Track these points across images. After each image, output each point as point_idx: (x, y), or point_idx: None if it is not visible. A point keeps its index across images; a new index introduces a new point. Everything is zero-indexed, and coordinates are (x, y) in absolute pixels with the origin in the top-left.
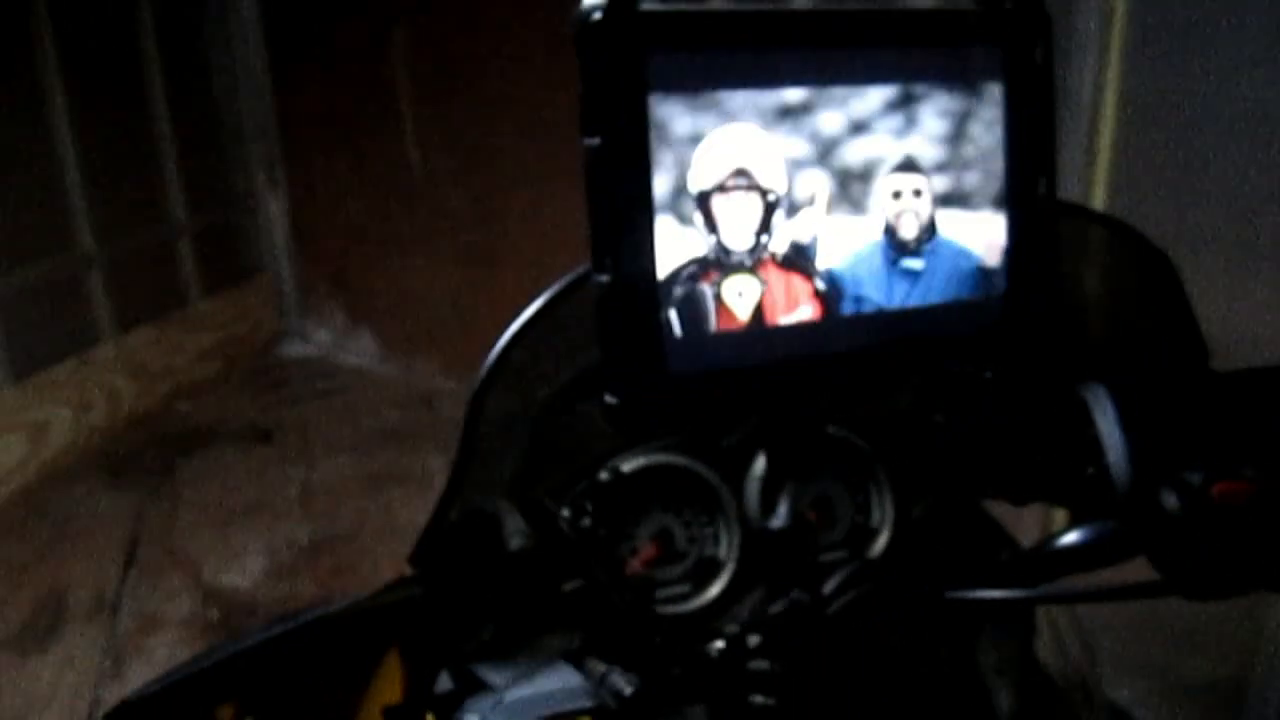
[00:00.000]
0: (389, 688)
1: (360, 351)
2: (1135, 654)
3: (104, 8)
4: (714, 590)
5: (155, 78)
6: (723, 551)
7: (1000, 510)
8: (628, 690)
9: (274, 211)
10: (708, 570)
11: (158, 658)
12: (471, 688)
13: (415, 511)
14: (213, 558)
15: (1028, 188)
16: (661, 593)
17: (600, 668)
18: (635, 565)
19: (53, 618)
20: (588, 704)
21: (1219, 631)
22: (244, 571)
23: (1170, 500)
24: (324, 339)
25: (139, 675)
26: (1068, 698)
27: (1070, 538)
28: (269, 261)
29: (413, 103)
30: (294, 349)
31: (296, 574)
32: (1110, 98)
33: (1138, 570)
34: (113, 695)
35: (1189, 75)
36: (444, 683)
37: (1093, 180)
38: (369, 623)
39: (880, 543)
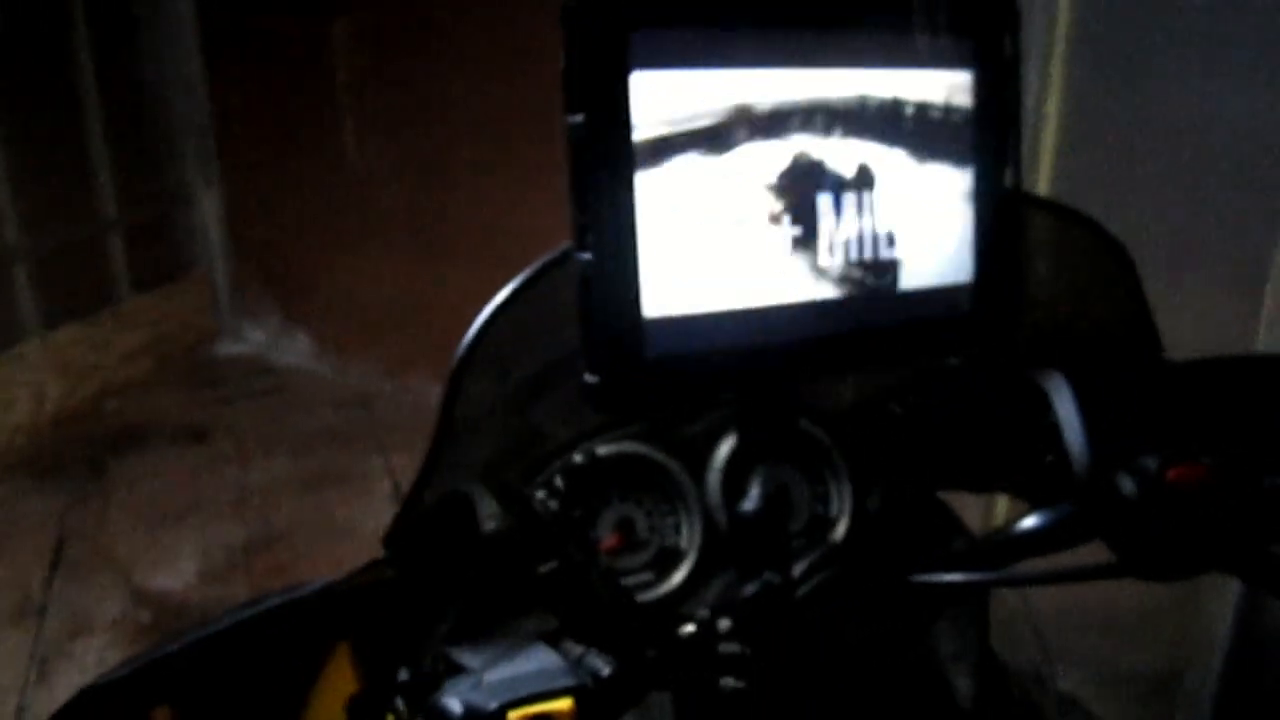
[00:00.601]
0: (339, 684)
1: (296, 351)
2: (1078, 646)
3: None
4: (676, 578)
5: (86, 70)
6: (684, 541)
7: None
8: (605, 671)
9: (208, 208)
10: (669, 559)
11: (87, 662)
12: (448, 670)
13: (352, 512)
14: (144, 560)
15: (994, 178)
16: (625, 581)
17: (577, 649)
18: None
19: None
20: (568, 683)
21: (1157, 624)
22: (177, 573)
23: (1127, 484)
24: (258, 338)
25: (67, 679)
26: (1021, 684)
27: (1029, 522)
28: (203, 259)
29: (352, 98)
30: (228, 348)
31: (231, 576)
32: (1053, 101)
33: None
34: (40, 700)
35: (1129, 81)
36: (417, 667)
37: (1035, 183)
38: (341, 604)
39: (839, 532)
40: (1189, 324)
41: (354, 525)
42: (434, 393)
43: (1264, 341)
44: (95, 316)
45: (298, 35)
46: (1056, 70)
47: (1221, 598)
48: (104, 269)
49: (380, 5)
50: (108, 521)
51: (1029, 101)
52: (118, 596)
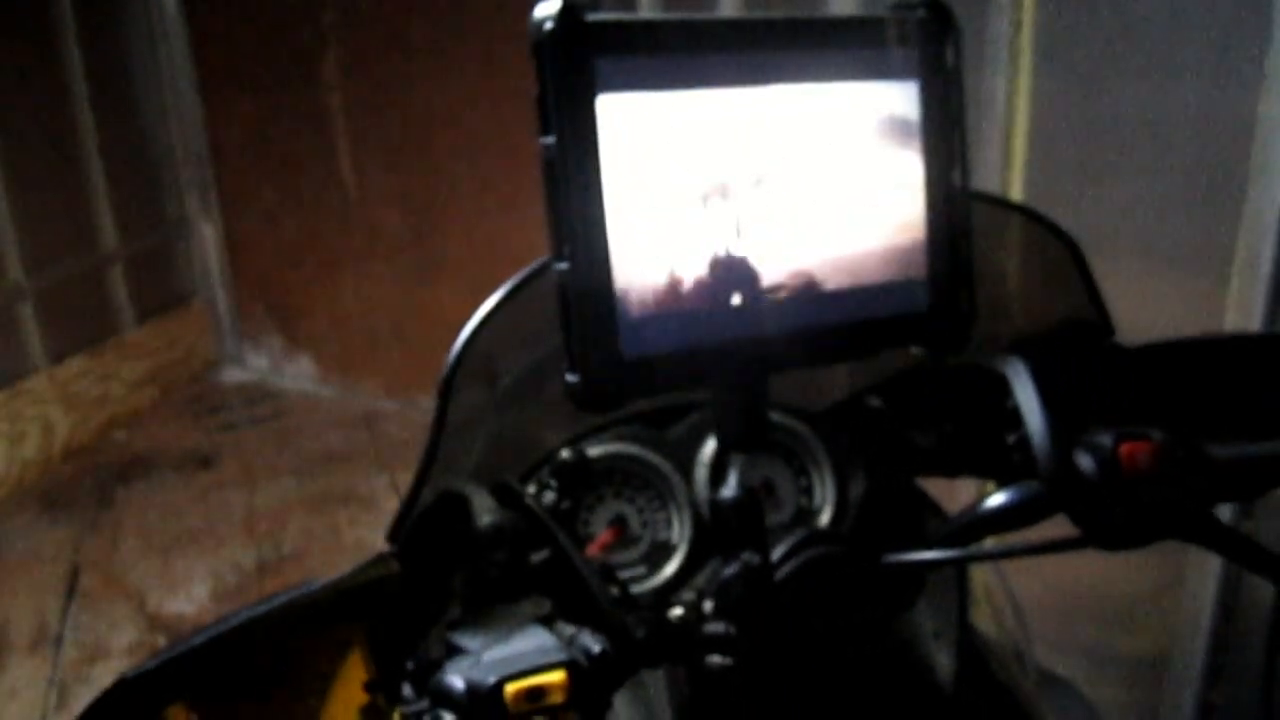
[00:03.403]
0: (355, 682)
1: (299, 375)
2: (1067, 634)
3: (26, 34)
4: (668, 571)
5: (82, 105)
6: (675, 535)
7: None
8: (596, 648)
9: (207, 237)
10: (661, 553)
11: (104, 686)
12: (450, 653)
13: (360, 530)
14: (156, 585)
15: (944, 179)
16: (620, 574)
17: (569, 630)
18: (592, 550)
19: None
20: (561, 659)
21: (1145, 610)
22: (189, 597)
23: (1084, 461)
24: (261, 364)
25: (84, 705)
26: (1003, 660)
27: (996, 500)
28: (203, 287)
29: (346, 124)
30: (231, 374)
31: (243, 597)
32: (1022, 104)
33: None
34: None
35: (1094, 83)
36: (422, 653)
37: (1009, 182)
38: (350, 598)
39: (822, 521)
40: (1163, 308)
41: (363, 543)
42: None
43: (1231, 322)
44: (100, 348)
45: (290, 63)
46: (1024, 73)
47: (1204, 581)
48: (107, 301)
49: (369, 32)
50: (119, 549)
51: (999, 105)
52: (132, 622)
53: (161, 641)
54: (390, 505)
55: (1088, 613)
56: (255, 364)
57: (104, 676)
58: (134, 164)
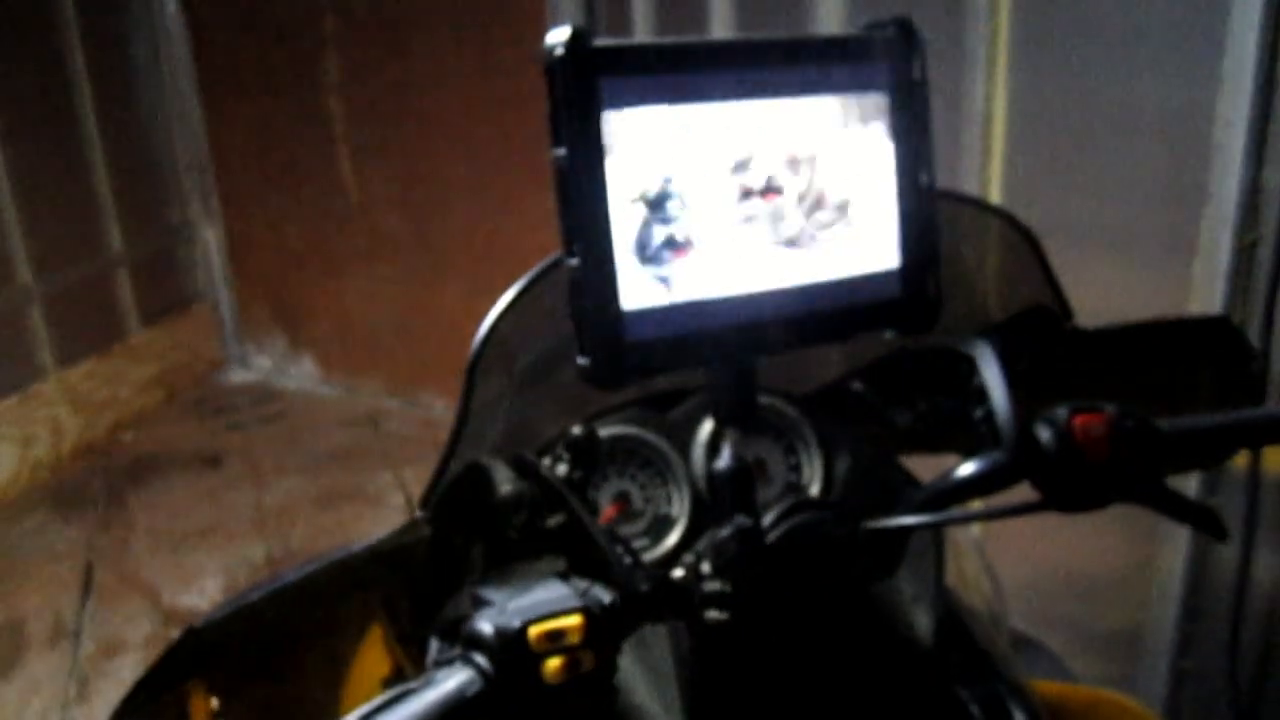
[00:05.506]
0: (375, 660)
1: (302, 376)
2: (1049, 610)
3: (32, 42)
4: (670, 542)
5: (87, 112)
6: (675, 509)
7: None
8: (607, 599)
9: (211, 240)
10: (663, 526)
11: (123, 678)
12: (477, 604)
13: (368, 526)
14: (170, 581)
15: (913, 178)
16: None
17: (583, 583)
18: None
19: (13, 646)
20: (577, 605)
21: (1118, 586)
22: (202, 592)
23: (1043, 433)
24: (265, 365)
25: (105, 696)
26: (980, 623)
27: (964, 470)
28: (207, 290)
29: (346, 128)
30: (235, 376)
31: None
32: (999, 106)
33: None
34: (82, 716)
35: (1067, 85)
36: (450, 609)
37: (988, 180)
38: (387, 558)
39: (810, 495)
40: (1132, 294)
41: (371, 537)
42: (438, 407)
43: (1194, 306)
44: (107, 351)
45: (291, 69)
46: (1000, 77)
47: (1175, 556)
48: (113, 305)
49: (369, 38)
50: (132, 547)
51: (978, 107)
52: (147, 616)
53: (176, 634)
54: (396, 501)
55: (1068, 590)
56: (259, 365)
57: (122, 669)
58: (138, 169)
